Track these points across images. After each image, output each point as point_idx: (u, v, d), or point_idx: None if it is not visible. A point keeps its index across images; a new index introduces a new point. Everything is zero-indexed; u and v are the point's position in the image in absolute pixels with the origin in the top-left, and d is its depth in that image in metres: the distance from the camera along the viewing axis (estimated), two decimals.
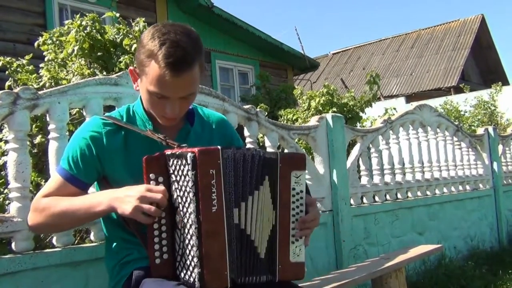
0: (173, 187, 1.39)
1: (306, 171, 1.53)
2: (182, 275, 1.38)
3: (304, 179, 1.51)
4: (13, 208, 1.94)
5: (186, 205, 1.35)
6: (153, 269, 1.40)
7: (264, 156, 1.46)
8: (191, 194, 1.32)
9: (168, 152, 1.42)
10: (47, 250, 2.02)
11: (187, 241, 1.35)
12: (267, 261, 1.45)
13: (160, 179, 1.41)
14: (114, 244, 1.63)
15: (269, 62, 10.13)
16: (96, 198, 1.49)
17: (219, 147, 1.37)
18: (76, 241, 2.20)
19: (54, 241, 2.06)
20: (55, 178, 1.58)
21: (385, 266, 2.81)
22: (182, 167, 1.35)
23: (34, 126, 2.83)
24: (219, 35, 9.12)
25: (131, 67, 1.60)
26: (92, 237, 2.16)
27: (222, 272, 1.33)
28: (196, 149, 1.33)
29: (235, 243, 1.38)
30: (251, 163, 1.43)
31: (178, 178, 1.37)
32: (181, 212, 1.37)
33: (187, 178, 1.33)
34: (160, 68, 1.40)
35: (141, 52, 1.47)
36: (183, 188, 1.35)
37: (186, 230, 1.35)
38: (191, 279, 1.34)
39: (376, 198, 3.99)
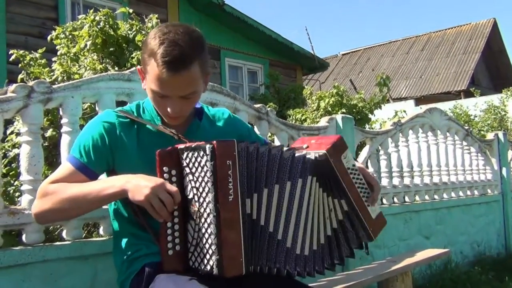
0: (187, 179, 1.43)
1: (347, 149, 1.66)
2: (197, 264, 1.41)
3: (350, 154, 1.65)
4: (24, 200, 1.96)
5: (204, 195, 1.38)
6: (165, 261, 1.42)
7: (308, 159, 1.55)
8: (209, 184, 1.36)
9: (181, 146, 1.46)
10: (57, 243, 2.04)
11: (203, 230, 1.38)
12: (318, 253, 1.57)
13: (173, 172, 1.44)
14: (123, 240, 1.64)
15: (279, 61, 10.12)
16: (108, 182, 1.50)
17: (234, 140, 1.42)
18: (84, 235, 2.21)
19: (64, 234, 2.08)
20: (65, 166, 1.58)
21: (392, 269, 2.81)
22: (199, 158, 1.39)
23: (45, 119, 2.85)
24: (229, 33, 9.12)
25: (139, 66, 1.63)
26: (101, 231, 2.18)
27: (238, 259, 1.37)
28: (214, 141, 1.38)
29: (248, 232, 1.42)
30: (269, 158, 1.47)
31: (193, 170, 1.41)
32: (197, 203, 1.40)
33: (205, 169, 1.37)
34: (158, 67, 1.44)
35: (144, 51, 1.51)
36: (200, 179, 1.39)
37: (203, 220, 1.38)
38: (208, 267, 1.37)
39: (384, 201, 3.97)
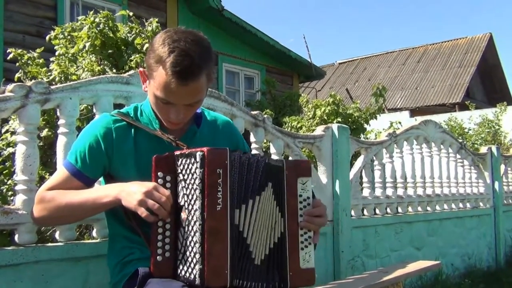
0: (180, 186, 1.43)
1: (312, 178, 1.56)
2: (183, 273, 1.39)
3: (310, 186, 1.54)
4: (18, 200, 1.95)
5: (192, 202, 1.38)
6: (154, 266, 1.42)
7: (269, 163, 1.50)
8: (197, 191, 1.36)
9: (177, 152, 1.46)
10: (50, 244, 2.03)
11: (190, 238, 1.37)
12: (267, 269, 1.46)
13: (168, 178, 1.44)
14: (117, 242, 1.64)
15: (276, 68, 10.15)
16: (103, 190, 1.52)
17: (227, 148, 1.42)
18: (76, 236, 2.20)
19: (56, 235, 2.07)
20: (60, 172, 1.59)
21: (383, 279, 2.81)
22: (190, 165, 1.39)
23: (41, 119, 2.84)
24: (227, 39, 9.14)
25: (141, 69, 1.64)
26: (94, 233, 2.17)
27: (222, 270, 1.35)
28: (205, 148, 1.37)
29: (235, 244, 1.40)
30: (256, 168, 1.46)
31: (185, 176, 1.41)
32: (187, 210, 1.40)
33: (194, 176, 1.37)
34: (167, 76, 1.43)
35: (150, 56, 1.49)
36: (190, 186, 1.39)
37: (190, 227, 1.38)
38: (192, 276, 1.36)
39: (377, 211, 3.98)
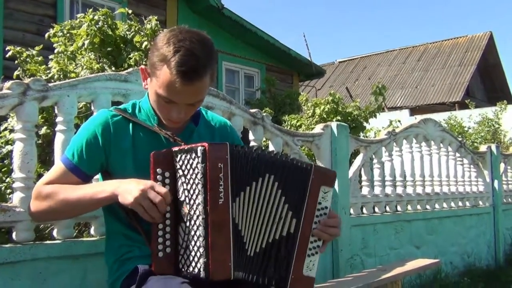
0: (180, 182, 1.43)
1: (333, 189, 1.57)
2: (186, 267, 1.40)
3: (331, 197, 1.55)
4: (16, 198, 1.95)
5: (194, 197, 1.38)
6: (155, 263, 1.42)
7: (296, 164, 1.51)
8: (199, 186, 1.36)
9: (176, 148, 1.46)
10: (47, 242, 2.03)
11: (193, 232, 1.38)
12: (262, 262, 1.45)
13: (167, 174, 1.44)
14: (115, 240, 1.64)
15: (276, 67, 10.14)
16: (101, 186, 1.52)
17: (227, 143, 1.42)
18: (75, 234, 2.20)
19: (54, 233, 2.06)
20: (57, 167, 1.59)
21: (382, 277, 2.82)
22: (191, 160, 1.39)
23: (40, 117, 2.84)
24: (227, 37, 9.13)
25: (142, 66, 1.63)
26: (92, 231, 2.17)
27: (226, 263, 1.36)
28: (206, 143, 1.38)
29: (234, 236, 1.40)
30: (254, 161, 1.46)
31: (186, 172, 1.41)
32: (188, 205, 1.40)
33: (196, 171, 1.37)
34: (172, 75, 1.42)
35: (154, 55, 1.48)
36: (191, 181, 1.39)
37: (193, 222, 1.38)
38: (196, 270, 1.36)
39: (376, 209, 3.98)
